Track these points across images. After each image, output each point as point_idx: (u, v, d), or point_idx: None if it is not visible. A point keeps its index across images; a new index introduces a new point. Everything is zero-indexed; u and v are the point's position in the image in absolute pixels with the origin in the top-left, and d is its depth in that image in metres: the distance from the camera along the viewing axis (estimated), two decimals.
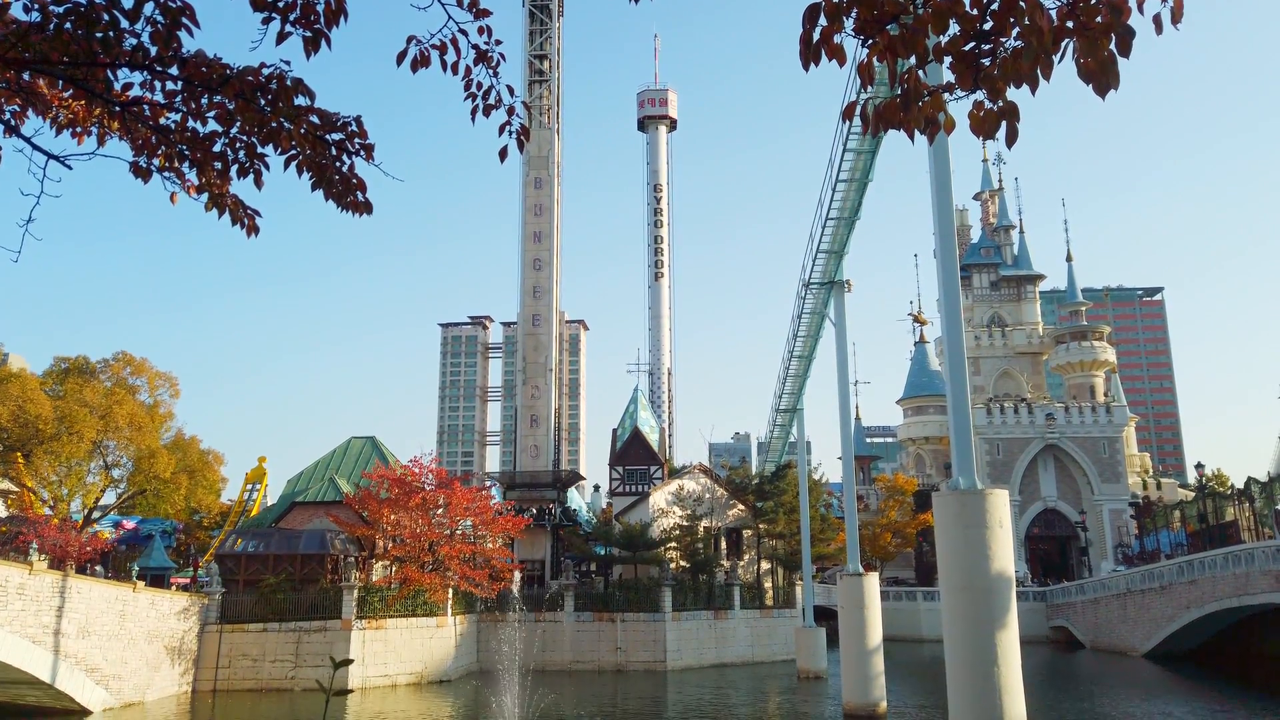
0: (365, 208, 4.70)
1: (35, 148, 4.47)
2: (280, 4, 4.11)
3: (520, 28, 65.53)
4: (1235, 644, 48.73)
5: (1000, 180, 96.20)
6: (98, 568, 46.30)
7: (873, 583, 33.18)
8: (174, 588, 45.77)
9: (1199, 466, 63.74)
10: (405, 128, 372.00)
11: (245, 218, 4.92)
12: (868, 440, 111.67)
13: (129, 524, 61.69)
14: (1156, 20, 3.66)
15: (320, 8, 4.16)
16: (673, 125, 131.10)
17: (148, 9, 4.08)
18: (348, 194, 4.63)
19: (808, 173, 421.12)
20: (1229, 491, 60.74)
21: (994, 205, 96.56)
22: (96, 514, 53.55)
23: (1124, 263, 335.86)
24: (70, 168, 4.53)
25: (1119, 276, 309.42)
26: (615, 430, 67.44)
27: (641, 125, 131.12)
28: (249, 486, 71.55)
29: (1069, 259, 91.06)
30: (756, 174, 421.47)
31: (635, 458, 64.04)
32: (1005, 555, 17.41)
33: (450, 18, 4.24)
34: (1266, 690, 39.19)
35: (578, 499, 77.52)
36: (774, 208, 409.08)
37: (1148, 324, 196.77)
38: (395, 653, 40.54)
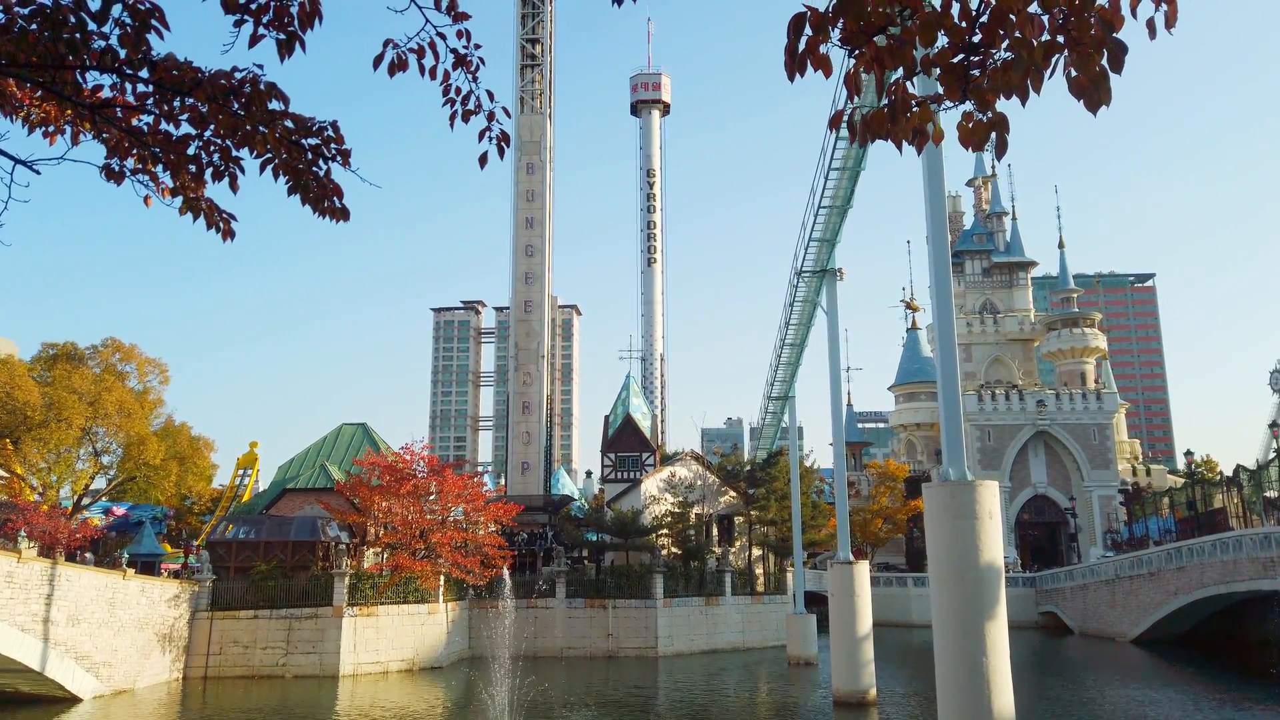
0: (342, 214, 4.60)
1: (1, 152, 4.35)
2: (253, 6, 3.99)
3: (513, 12, 65.07)
4: (1222, 630, 49.08)
5: (993, 167, 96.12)
6: (88, 555, 46.18)
7: (863, 571, 33.27)
8: (165, 574, 45.69)
9: (1188, 454, 64.07)
10: (397, 113, 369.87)
11: (220, 222, 4.82)
12: (860, 426, 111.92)
13: (119, 510, 61.55)
14: (1150, 25, 3.58)
15: (294, 10, 4.04)
16: (666, 109, 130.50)
17: (116, 11, 3.97)
18: (324, 199, 4.52)
19: (803, 157, 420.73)
20: (1218, 479, 61.04)
21: (987, 192, 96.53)
22: (86, 500, 53.36)
23: (1116, 249, 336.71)
24: (39, 173, 4.42)
25: (1111, 263, 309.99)
26: (607, 417, 67.40)
27: (634, 109, 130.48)
28: (240, 471, 71.39)
29: (1061, 245, 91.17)
30: (751, 158, 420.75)
31: (627, 444, 64.01)
32: (995, 546, 17.40)
33: (428, 21, 4.13)
34: (1252, 676, 39.51)
35: (570, 485, 77.54)
36: (769, 192, 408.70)
37: (1139, 310, 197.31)
38: (387, 639, 40.57)
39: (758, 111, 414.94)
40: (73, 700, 31.03)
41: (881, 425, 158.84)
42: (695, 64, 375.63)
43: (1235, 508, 52.93)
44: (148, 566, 46.16)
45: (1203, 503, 58.02)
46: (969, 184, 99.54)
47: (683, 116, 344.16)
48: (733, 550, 57.42)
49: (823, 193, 30.33)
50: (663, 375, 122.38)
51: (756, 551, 58.89)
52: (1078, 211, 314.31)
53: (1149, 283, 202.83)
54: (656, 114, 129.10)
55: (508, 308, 64.67)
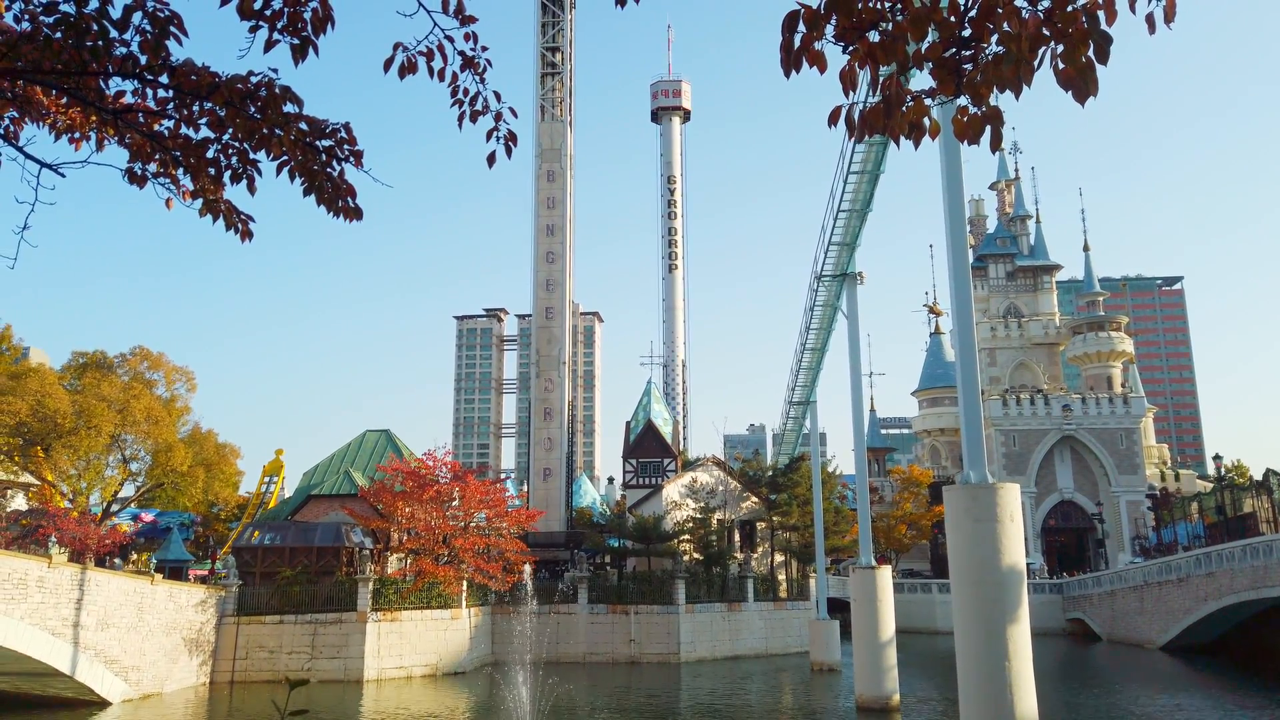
0: (355, 214, 4.72)
1: (28, 156, 4.51)
2: (267, 12, 4.13)
3: (532, 20, 65.50)
4: (1253, 637, 48.36)
5: (1017, 170, 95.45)
6: (117, 560, 46.81)
7: (885, 576, 33.13)
8: (192, 580, 46.19)
9: (1217, 458, 63.25)
10: (419, 119, 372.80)
11: (239, 223, 4.96)
12: (883, 432, 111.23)
13: (148, 517, 62.32)
14: (1149, 20, 3.62)
15: (308, 15, 4.18)
16: (686, 116, 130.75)
17: (136, 18, 4.12)
18: (338, 199, 4.65)
19: (824, 161, 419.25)
20: (1248, 483, 60.20)
21: (1010, 195, 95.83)
22: (115, 507, 54.06)
23: (1143, 252, 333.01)
24: (63, 175, 4.58)
25: (1138, 266, 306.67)
26: (629, 423, 67.51)
27: (655, 116, 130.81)
28: (267, 479, 72.08)
29: (1086, 249, 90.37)
30: (772, 162, 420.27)
31: (649, 450, 64.06)
32: (1016, 549, 17.33)
33: (436, 24, 4.25)
34: None
35: (592, 492, 77.68)
36: (791, 196, 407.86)
37: (1167, 314, 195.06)
38: (410, 644, 40.81)
39: (779, 116, 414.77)
40: (102, 704, 31.45)
41: (905, 431, 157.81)
42: (716, 69, 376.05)
43: (1265, 512, 52.20)
44: (175, 572, 46.64)
45: (1232, 508, 57.27)
46: (992, 187, 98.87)
47: (703, 122, 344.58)
48: (755, 556, 57.29)
49: (842, 196, 30.33)
50: (684, 381, 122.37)
51: (779, 557, 58.74)
52: (1103, 215, 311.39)
53: (1177, 285, 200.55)
54: (677, 120, 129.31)
55: (530, 315, 64.96)
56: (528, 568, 44.23)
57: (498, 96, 4.61)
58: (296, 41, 4.19)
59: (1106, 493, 77.15)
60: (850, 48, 3.29)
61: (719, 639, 48.70)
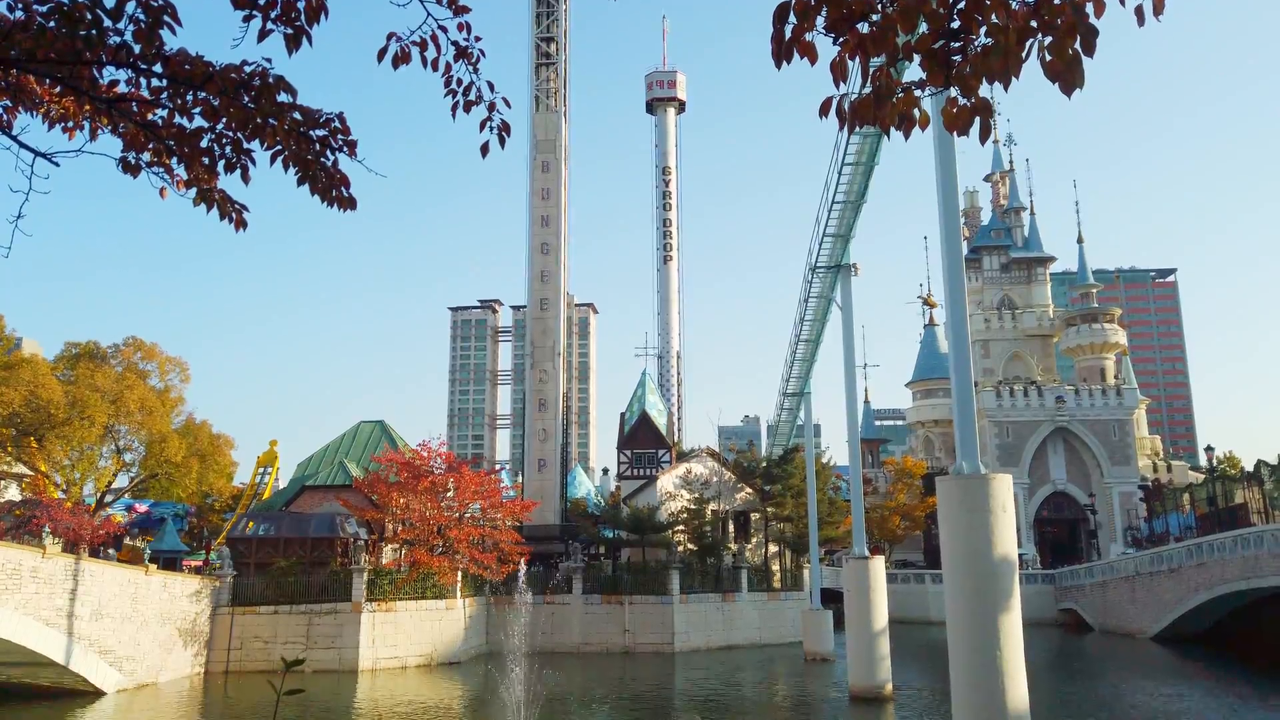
0: (349, 203, 4.74)
1: (22, 145, 4.52)
2: (261, 1, 4.14)
3: (527, 11, 65.25)
4: (1243, 627, 48.67)
5: (1011, 162, 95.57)
6: (111, 551, 46.80)
7: (878, 566, 33.28)
8: (186, 570, 46.21)
9: (1209, 449, 63.59)
10: (413, 111, 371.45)
11: (233, 212, 4.97)
12: (877, 423, 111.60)
13: (141, 507, 62.26)
14: (1138, 12, 3.65)
15: (301, 5, 4.19)
16: (681, 107, 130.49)
17: (130, 7, 4.13)
18: (332, 189, 4.67)
19: (819, 153, 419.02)
20: (1239, 474, 60.53)
21: (1004, 187, 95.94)
22: (109, 498, 53.99)
23: (1137, 244, 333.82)
24: (57, 164, 4.59)
25: (1131, 258, 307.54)
26: (624, 414, 67.58)
27: (650, 107, 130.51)
28: (261, 469, 71.97)
29: (1080, 240, 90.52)
30: (767, 154, 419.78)
31: (643, 441, 64.16)
32: (1008, 540, 17.41)
33: (429, 14, 4.27)
34: (1274, 673, 39.16)
35: (587, 483, 77.76)
36: (786, 188, 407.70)
37: (1160, 305, 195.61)
38: (405, 634, 40.90)
39: (774, 108, 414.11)
40: (96, 694, 31.48)
41: (899, 422, 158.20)
42: (711, 61, 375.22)
43: (1256, 503, 52.51)
44: (170, 562, 46.70)
45: (1224, 498, 57.59)
46: (986, 179, 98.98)
47: (698, 113, 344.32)
48: (749, 547, 57.46)
49: (836, 187, 30.34)
50: (679, 372, 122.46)
51: (773, 548, 58.90)
52: (1097, 206, 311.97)
53: (1170, 278, 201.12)
54: (672, 112, 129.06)
55: (524, 306, 64.89)
56: (522, 558, 44.31)
57: (491, 87, 4.64)
58: (290, 31, 4.20)
59: (1099, 484, 77.47)
60: (840, 39, 3.32)
61: (713, 629, 48.88)
